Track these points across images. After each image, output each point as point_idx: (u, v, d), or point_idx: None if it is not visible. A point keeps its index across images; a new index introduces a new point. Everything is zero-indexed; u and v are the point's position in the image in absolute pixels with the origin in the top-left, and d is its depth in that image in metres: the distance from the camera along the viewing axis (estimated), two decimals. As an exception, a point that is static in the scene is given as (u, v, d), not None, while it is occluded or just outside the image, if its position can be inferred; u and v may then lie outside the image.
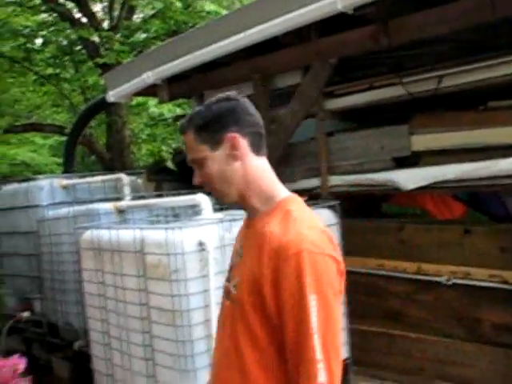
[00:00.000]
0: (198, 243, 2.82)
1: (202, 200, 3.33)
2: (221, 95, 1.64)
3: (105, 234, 3.25)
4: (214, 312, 2.83)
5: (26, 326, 5.42)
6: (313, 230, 1.50)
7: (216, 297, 2.85)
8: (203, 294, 2.84)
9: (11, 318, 5.51)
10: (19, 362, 3.35)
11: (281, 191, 1.62)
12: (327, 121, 4.69)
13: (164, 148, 8.22)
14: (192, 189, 4.25)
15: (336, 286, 1.47)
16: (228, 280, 1.68)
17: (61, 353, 4.87)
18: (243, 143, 1.58)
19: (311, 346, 1.39)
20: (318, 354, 1.40)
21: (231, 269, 1.71)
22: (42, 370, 4.90)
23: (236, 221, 3.04)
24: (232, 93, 1.65)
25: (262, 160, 1.62)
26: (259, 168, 1.61)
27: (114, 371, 3.36)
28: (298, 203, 1.61)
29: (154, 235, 2.91)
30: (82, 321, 4.34)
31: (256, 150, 1.61)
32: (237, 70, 4.70)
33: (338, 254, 1.51)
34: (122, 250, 3.09)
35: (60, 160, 12.00)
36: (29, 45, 8.43)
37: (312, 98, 4.37)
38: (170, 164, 7.92)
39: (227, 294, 1.66)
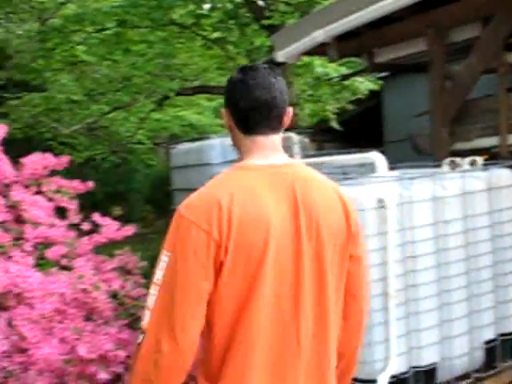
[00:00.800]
0: (378, 200, 2.80)
1: (377, 158, 3.28)
2: (243, 65, 1.75)
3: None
4: (392, 269, 2.82)
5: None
6: (201, 195, 1.57)
7: (394, 254, 2.84)
8: (381, 251, 2.83)
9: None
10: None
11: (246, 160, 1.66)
12: (508, 75, 4.39)
13: (329, 108, 8.20)
14: (355, 148, 4.24)
15: (194, 253, 1.49)
16: None
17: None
18: (231, 121, 1.66)
19: (148, 292, 1.55)
20: (149, 300, 1.53)
21: None
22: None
23: (415, 179, 2.99)
24: (247, 66, 1.72)
25: (251, 138, 1.66)
26: (246, 144, 1.67)
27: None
28: (232, 170, 1.66)
29: (334, 191, 2.93)
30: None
31: (243, 131, 1.66)
32: (410, 25, 4.53)
33: (220, 226, 1.50)
34: (300, 205, 3.15)
35: (223, 121, 12.49)
36: (198, 11, 8.75)
37: (492, 51, 4.12)
38: (334, 124, 7.91)
39: None
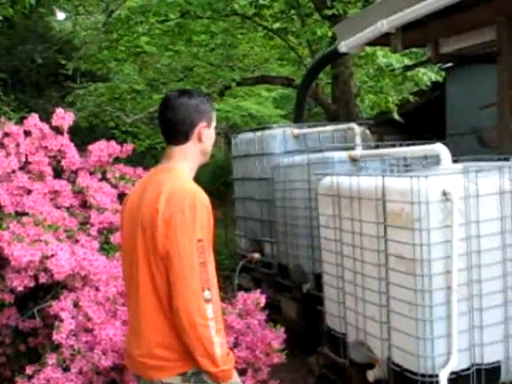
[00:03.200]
0: (443, 192, 2.76)
1: (442, 150, 3.22)
2: None
3: (344, 181, 3.32)
4: (455, 263, 2.77)
5: (256, 266, 5.81)
6: None
7: (458, 248, 2.79)
8: (445, 245, 2.78)
9: (243, 258, 5.94)
10: (260, 297, 3.61)
11: None
12: None
13: (390, 99, 8.10)
14: (414, 140, 4.16)
15: None
16: None
17: (289, 294, 5.15)
18: None
19: None
20: None
21: None
22: (270, 308, 5.24)
23: (482, 171, 2.92)
24: (171, 91, 2.36)
25: (167, 147, 2.31)
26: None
27: (346, 314, 3.47)
28: None
29: (397, 183, 2.90)
30: (312, 264, 4.54)
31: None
32: (479, 14, 4.39)
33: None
34: (362, 197, 3.13)
35: (282, 112, 12.49)
36: (260, 1, 8.77)
37: None
38: (395, 115, 7.80)
39: None
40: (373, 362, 3.26)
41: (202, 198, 2.12)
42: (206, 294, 1.99)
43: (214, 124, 2.34)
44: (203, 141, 2.28)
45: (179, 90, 2.36)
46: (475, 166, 3.04)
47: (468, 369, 2.89)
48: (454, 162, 3.26)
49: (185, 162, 2.26)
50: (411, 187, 2.76)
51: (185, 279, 2.00)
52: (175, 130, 2.24)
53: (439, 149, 3.22)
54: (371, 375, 3.21)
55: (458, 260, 2.79)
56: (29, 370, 3.20)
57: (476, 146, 6.97)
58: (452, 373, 2.82)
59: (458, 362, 2.83)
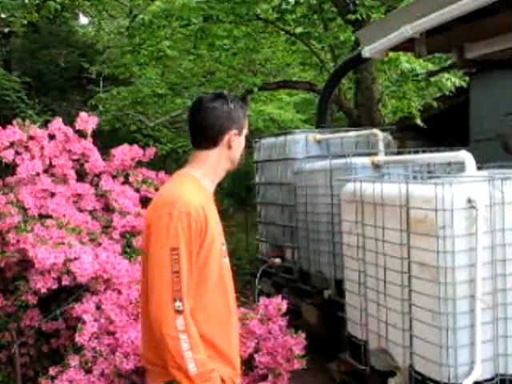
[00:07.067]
0: (467, 200, 2.73)
1: (466, 157, 3.18)
2: None
3: (367, 187, 3.30)
4: (480, 271, 2.74)
5: (277, 272, 5.80)
6: None
7: (483, 256, 2.76)
8: (469, 253, 2.75)
9: (263, 263, 5.94)
10: (282, 303, 3.60)
11: None
12: None
13: (413, 105, 8.04)
14: (437, 146, 4.12)
15: None
16: (223, 243, 2.22)
17: (310, 299, 5.14)
18: None
19: None
20: None
21: (220, 233, 2.21)
22: (291, 313, 5.22)
23: (508, 179, 2.88)
24: (202, 95, 2.26)
25: None
26: None
27: (368, 321, 3.45)
28: None
29: (421, 190, 2.87)
30: (333, 270, 4.52)
31: None
32: (506, 18, 4.34)
33: None
34: (386, 203, 3.11)
35: (304, 116, 12.48)
36: (283, 6, 8.76)
37: None
38: (418, 121, 7.75)
39: (226, 253, 2.24)
40: (394, 369, 3.24)
41: (183, 206, 1.99)
42: (177, 304, 1.93)
43: (245, 131, 2.26)
44: (233, 148, 2.20)
45: (214, 93, 2.25)
46: (500, 174, 3.00)
47: (492, 379, 2.85)
48: (479, 168, 3.23)
49: (202, 167, 2.19)
50: (435, 194, 2.73)
51: (155, 287, 1.97)
52: (204, 134, 2.16)
53: (464, 156, 3.19)
54: (393, 383, 3.19)
55: (483, 268, 2.75)
56: (52, 371, 3.23)
57: (500, 152, 6.89)
58: (475, 382, 2.78)
59: (482, 372, 2.79)
